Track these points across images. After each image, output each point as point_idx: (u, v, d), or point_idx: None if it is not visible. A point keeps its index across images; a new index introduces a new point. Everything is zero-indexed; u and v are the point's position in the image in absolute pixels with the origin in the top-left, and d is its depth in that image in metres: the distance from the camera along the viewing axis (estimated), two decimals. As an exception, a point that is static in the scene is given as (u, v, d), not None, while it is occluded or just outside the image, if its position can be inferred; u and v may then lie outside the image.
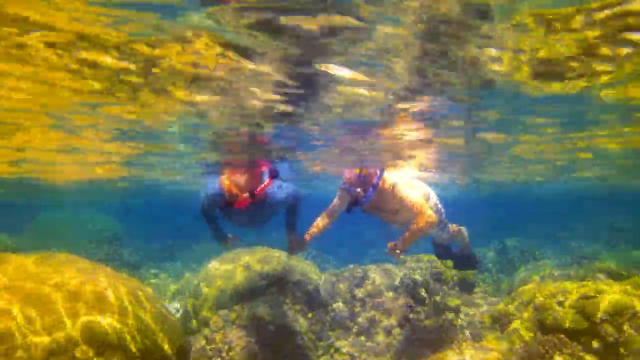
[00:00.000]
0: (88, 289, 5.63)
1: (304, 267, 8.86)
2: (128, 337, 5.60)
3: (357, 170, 6.64)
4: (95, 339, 5.23)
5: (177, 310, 8.94)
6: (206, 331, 7.56)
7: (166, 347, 5.94)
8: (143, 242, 20.40)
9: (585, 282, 7.72)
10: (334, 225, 7.25)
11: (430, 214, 6.19)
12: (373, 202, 6.65)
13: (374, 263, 9.74)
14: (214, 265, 9.05)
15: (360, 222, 11.38)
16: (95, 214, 21.15)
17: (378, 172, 6.71)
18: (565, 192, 24.81)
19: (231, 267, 8.59)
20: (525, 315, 7.60)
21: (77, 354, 5.12)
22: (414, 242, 6.11)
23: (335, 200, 7.10)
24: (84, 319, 5.32)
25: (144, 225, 24.10)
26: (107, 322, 5.43)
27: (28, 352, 4.70)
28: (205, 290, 8.46)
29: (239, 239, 7.13)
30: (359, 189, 6.49)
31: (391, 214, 6.83)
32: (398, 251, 6.06)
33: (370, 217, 7.19)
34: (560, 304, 7.10)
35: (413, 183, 7.04)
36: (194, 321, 8.24)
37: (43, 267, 5.77)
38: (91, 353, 5.19)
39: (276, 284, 8.24)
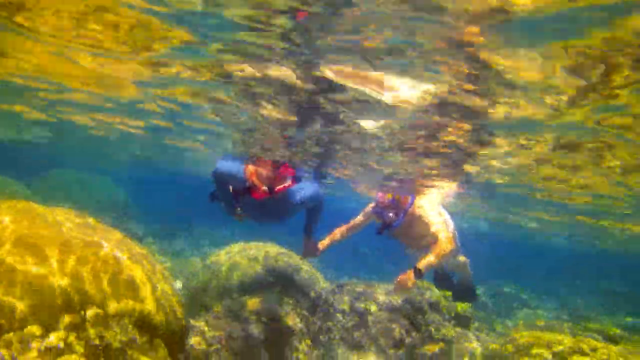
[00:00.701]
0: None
1: (312, 274, 8.99)
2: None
3: (390, 195, 6.84)
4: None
5: (179, 290, 9.09)
6: (208, 317, 7.70)
7: (177, 322, 6.12)
8: (148, 217, 20.56)
9: (581, 338, 7.85)
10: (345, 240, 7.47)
11: (451, 241, 6.38)
12: (402, 227, 6.84)
13: (374, 280, 9.87)
14: (223, 253, 9.21)
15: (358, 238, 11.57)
16: (106, 180, 21.40)
17: (410, 199, 6.92)
18: (574, 249, 25.02)
19: (240, 258, 8.74)
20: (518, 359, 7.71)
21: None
22: (433, 268, 6.24)
23: (359, 218, 7.32)
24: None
25: (151, 200, 24.23)
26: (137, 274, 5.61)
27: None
28: (210, 276, 8.61)
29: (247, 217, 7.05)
30: (391, 213, 6.68)
31: (418, 238, 7.01)
32: (411, 284, 6.09)
33: (392, 240, 7.36)
34: (555, 355, 7.23)
35: (438, 210, 7.23)
36: (195, 304, 8.40)
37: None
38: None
39: (282, 284, 8.38)
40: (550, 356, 7.24)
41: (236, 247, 9.22)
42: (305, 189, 6.79)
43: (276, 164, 8.64)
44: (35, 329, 4.65)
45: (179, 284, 10.06)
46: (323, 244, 7.20)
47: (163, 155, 17.03)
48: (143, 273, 6.26)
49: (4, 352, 4.31)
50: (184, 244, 17.98)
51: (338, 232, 7.33)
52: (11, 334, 4.53)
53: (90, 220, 6.75)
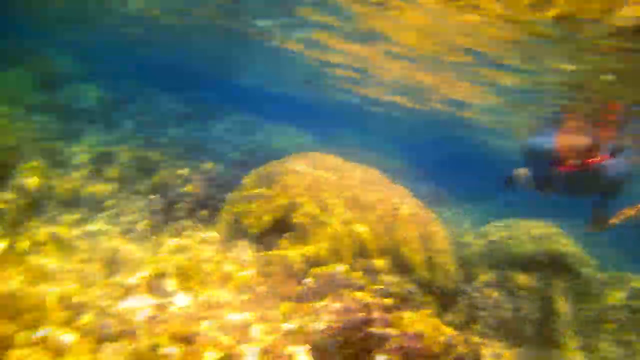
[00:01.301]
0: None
1: (583, 258, 8.73)
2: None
3: None
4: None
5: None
6: (478, 284, 8.20)
7: (449, 283, 6.89)
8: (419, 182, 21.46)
9: None
10: None
11: None
12: None
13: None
14: (494, 227, 9.54)
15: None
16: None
17: None
18: None
19: (512, 233, 8.93)
20: None
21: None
22: None
23: None
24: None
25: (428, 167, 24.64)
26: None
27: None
28: (481, 247, 9.04)
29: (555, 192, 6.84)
30: None
31: None
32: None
33: None
34: None
35: None
36: (464, 271, 8.95)
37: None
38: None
39: (552, 264, 8.38)
40: None
41: (508, 223, 9.45)
42: (616, 166, 6.20)
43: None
44: (336, 266, 5.78)
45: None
46: (613, 220, 6.61)
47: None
48: (419, 234, 7.11)
49: (312, 279, 5.51)
50: (451, 214, 18.49)
51: (631, 211, 6.76)
52: (321, 267, 5.73)
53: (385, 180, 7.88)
